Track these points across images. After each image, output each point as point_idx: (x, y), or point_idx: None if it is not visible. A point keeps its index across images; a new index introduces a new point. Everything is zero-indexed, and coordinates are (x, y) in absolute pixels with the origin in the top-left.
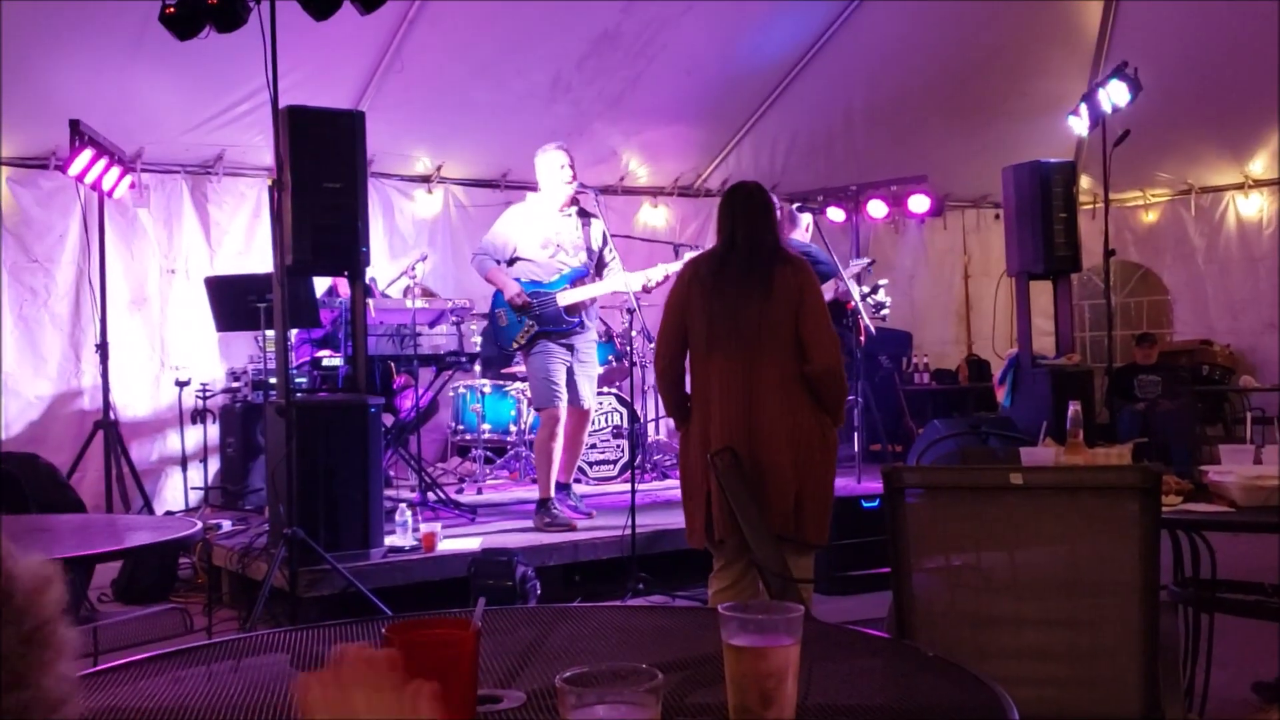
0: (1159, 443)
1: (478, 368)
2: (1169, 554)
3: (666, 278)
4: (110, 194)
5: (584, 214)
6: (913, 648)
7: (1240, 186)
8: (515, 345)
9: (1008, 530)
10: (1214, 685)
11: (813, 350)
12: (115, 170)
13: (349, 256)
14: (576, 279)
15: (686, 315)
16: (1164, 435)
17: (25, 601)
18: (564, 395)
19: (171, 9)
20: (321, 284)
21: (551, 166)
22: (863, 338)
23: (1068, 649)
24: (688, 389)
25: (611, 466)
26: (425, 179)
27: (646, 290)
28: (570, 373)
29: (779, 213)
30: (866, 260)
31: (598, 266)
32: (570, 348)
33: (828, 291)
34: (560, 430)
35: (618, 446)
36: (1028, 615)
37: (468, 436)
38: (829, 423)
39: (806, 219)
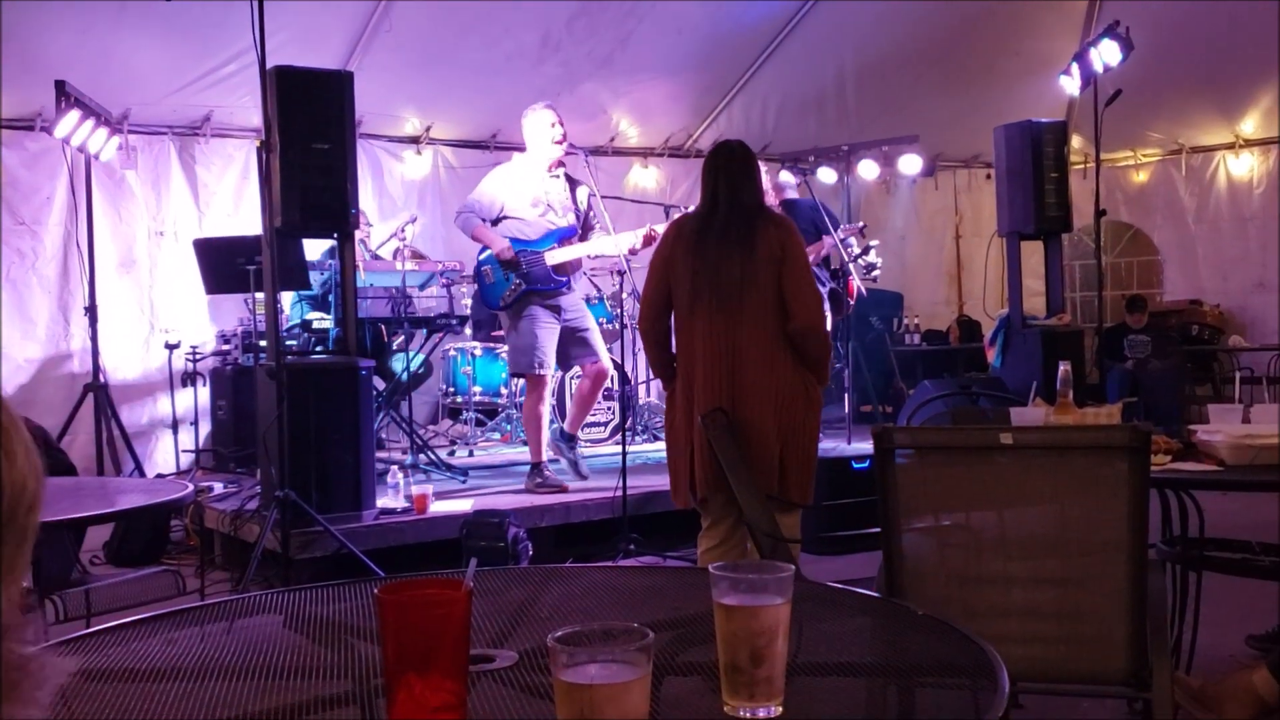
0: (1148, 402)
1: (468, 330)
2: (1157, 513)
3: (647, 240)
4: (97, 156)
5: (569, 179)
6: (902, 606)
7: (1231, 146)
8: (502, 303)
9: (997, 490)
10: (1201, 643)
11: (795, 308)
12: (102, 132)
13: (338, 218)
14: (564, 238)
15: (670, 275)
16: (1153, 395)
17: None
18: (550, 361)
19: None
20: (320, 246)
21: (541, 126)
22: (853, 299)
23: (1056, 607)
24: (674, 349)
25: (603, 428)
26: (414, 140)
27: (633, 252)
28: (574, 334)
29: (766, 177)
30: (860, 224)
31: (583, 230)
32: (557, 309)
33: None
34: (548, 395)
35: (609, 408)
36: (1017, 574)
37: (459, 399)
38: (813, 381)
39: (792, 179)
